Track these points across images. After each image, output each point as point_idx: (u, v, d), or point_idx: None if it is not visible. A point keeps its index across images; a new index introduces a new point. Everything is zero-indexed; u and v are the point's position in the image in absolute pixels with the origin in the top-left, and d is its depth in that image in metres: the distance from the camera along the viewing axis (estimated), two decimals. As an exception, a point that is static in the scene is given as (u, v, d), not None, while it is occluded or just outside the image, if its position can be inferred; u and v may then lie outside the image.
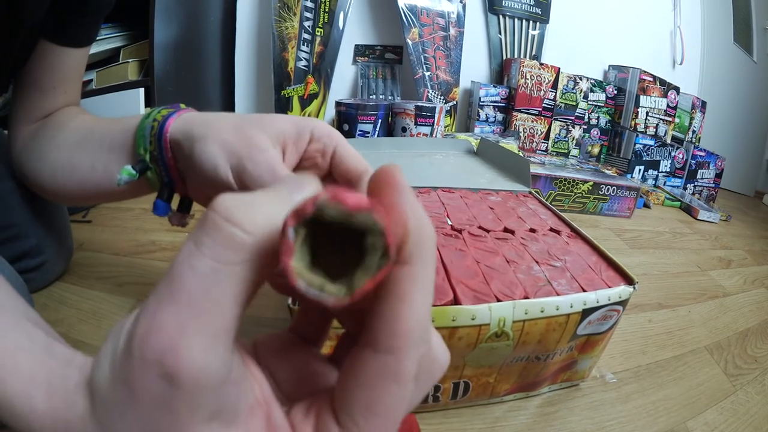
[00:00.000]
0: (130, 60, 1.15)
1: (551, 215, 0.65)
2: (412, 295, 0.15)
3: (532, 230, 0.58)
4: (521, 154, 1.13)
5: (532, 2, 1.75)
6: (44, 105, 0.54)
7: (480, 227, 0.57)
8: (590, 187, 1.22)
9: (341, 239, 0.14)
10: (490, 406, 0.51)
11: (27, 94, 0.54)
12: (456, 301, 0.41)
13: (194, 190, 0.43)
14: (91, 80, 1.15)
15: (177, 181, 0.42)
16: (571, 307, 0.44)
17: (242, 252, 0.14)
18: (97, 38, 1.08)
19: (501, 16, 1.73)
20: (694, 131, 1.91)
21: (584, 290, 0.45)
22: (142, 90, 1.15)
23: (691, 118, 1.88)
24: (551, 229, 0.59)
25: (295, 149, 0.36)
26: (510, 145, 1.40)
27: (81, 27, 0.53)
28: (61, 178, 0.49)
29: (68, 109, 0.56)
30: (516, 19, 1.75)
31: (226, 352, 0.15)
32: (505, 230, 0.58)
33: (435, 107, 1.36)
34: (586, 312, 0.45)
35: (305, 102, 1.54)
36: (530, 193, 0.75)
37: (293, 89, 1.53)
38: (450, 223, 0.58)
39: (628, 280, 0.49)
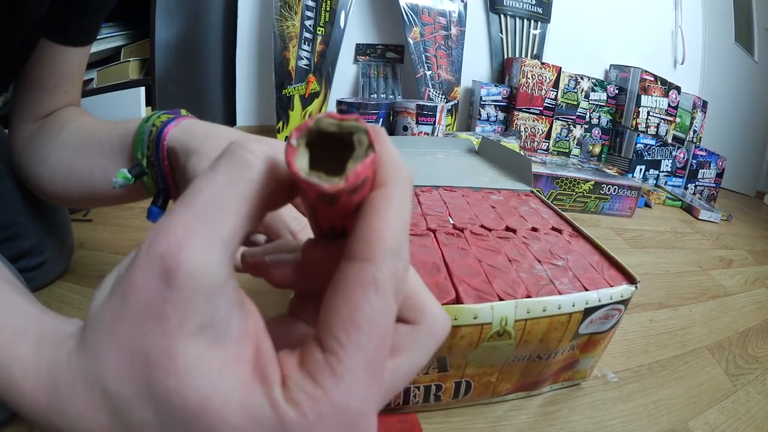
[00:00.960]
0: (131, 59, 1.14)
1: (553, 214, 0.65)
2: (386, 211, 0.16)
3: (534, 229, 0.58)
4: (523, 154, 1.13)
5: (534, 1, 1.75)
6: (45, 104, 0.54)
7: (482, 226, 0.57)
8: (591, 187, 1.22)
9: (333, 157, 0.16)
10: (492, 406, 0.50)
11: (28, 93, 0.54)
12: (458, 300, 0.41)
13: None
14: (92, 79, 1.15)
15: (173, 188, 0.43)
16: (573, 306, 0.43)
17: (251, 171, 0.17)
18: (98, 37, 1.07)
19: (502, 16, 1.73)
20: (695, 131, 1.91)
21: (586, 289, 0.45)
22: (143, 89, 1.15)
23: (692, 118, 1.88)
24: (553, 228, 0.59)
25: None
26: (511, 144, 1.40)
27: (82, 26, 0.53)
28: (60, 181, 0.49)
29: (69, 109, 0.56)
30: (517, 19, 1.75)
31: (224, 260, 0.16)
32: (507, 229, 0.57)
33: (436, 106, 1.36)
34: (588, 311, 0.45)
35: (306, 101, 1.54)
36: (532, 192, 0.75)
37: (294, 88, 1.53)
38: (452, 221, 0.57)
39: (630, 280, 0.49)
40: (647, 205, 1.45)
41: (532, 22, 1.77)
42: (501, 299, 0.42)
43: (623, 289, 0.47)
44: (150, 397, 0.16)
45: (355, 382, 0.16)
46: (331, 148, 0.16)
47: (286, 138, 0.16)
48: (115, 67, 1.15)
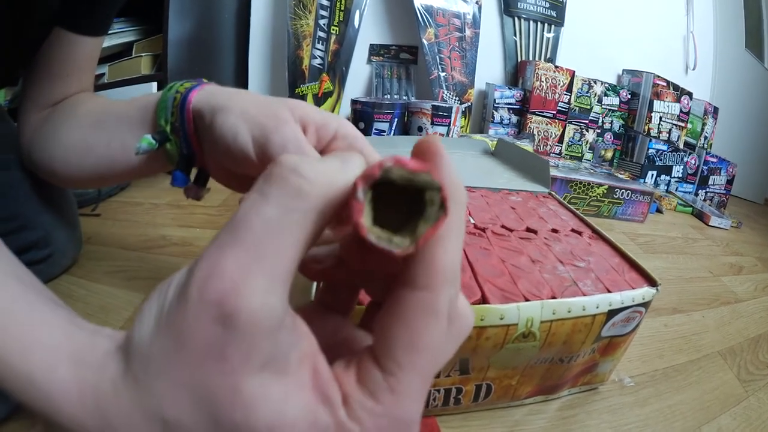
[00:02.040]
0: (143, 54, 1.14)
1: (572, 216, 0.65)
2: (449, 239, 0.17)
3: (554, 230, 0.58)
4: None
5: (548, 5, 1.74)
6: (57, 91, 0.54)
7: (503, 226, 0.57)
8: (605, 191, 1.22)
9: (392, 203, 0.16)
10: (510, 409, 0.50)
11: (39, 82, 0.54)
12: (484, 300, 0.41)
13: (212, 164, 0.43)
14: (103, 74, 1.15)
15: (198, 152, 0.42)
16: (597, 307, 0.44)
17: (307, 201, 0.16)
18: (110, 32, 1.06)
19: (516, 18, 1.73)
20: (705, 137, 1.90)
21: (609, 291, 0.46)
22: (155, 84, 1.14)
23: (704, 124, 1.88)
24: (573, 230, 0.59)
25: (316, 136, 0.36)
26: (525, 147, 1.39)
27: (96, 16, 0.53)
28: (74, 159, 0.49)
29: (81, 93, 0.56)
30: (531, 22, 1.75)
31: (284, 296, 0.16)
32: (528, 230, 0.58)
33: (451, 107, 1.36)
34: (611, 313, 0.45)
35: (319, 100, 1.54)
36: (550, 194, 0.75)
37: (308, 87, 1.53)
38: (473, 221, 0.58)
39: (651, 282, 0.49)
40: (659, 210, 1.45)
41: (546, 25, 1.76)
42: (527, 300, 0.42)
43: (644, 292, 0.47)
44: (217, 429, 0.16)
45: (411, 398, 0.17)
46: (392, 192, 0.16)
47: (352, 191, 0.16)
48: (127, 63, 1.15)
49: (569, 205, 0.69)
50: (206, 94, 0.41)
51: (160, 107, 0.42)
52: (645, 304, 0.47)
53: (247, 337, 0.15)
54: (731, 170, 1.77)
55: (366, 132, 1.37)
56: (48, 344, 0.18)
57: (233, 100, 0.38)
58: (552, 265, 0.49)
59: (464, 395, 0.46)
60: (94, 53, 0.56)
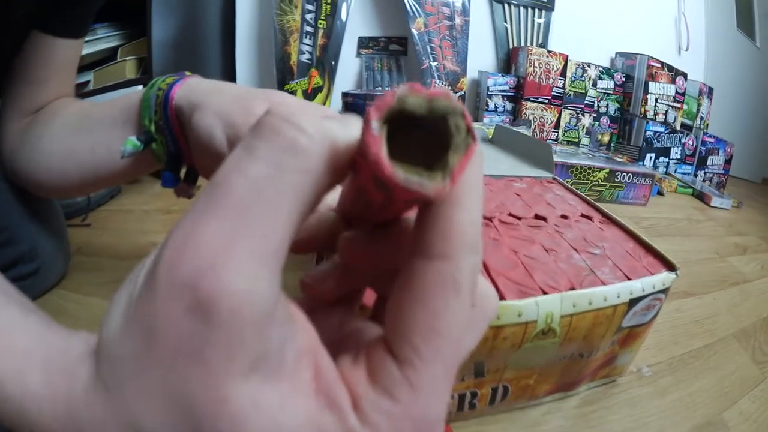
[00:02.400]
0: (127, 58, 1.12)
1: (579, 201, 0.62)
2: (468, 200, 0.14)
3: (564, 216, 0.55)
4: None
5: (537, -10, 1.72)
6: (37, 98, 0.52)
7: (510, 215, 0.54)
8: (606, 175, 1.20)
9: (404, 145, 0.13)
10: (528, 410, 0.48)
11: (18, 88, 0.51)
12: (499, 297, 0.38)
13: (198, 161, 0.41)
14: (89, 81, 1.12)
15: (185, 150, 0.41)
16: (618, 297, 0.41)
17: (305, 158, 0.12)
18: (94, 38, 1.08)
19: (506, 5, 1.71)
20: (702, 117, 1.88)
21: (629, 278, 0.43)
22: (141, 87, 1.12)
23: (699, 105, 1.86)
24: (583, 215, 0.56)
25: None
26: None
27: (74, 17, 0.51)
28: (58, 166, 0.47)
29: (62, 99, 0.53)
30: (521, 8, 1.72)
31: (275, 280, 0.12)
32: (537, 217, 0.54)
33: (445, 96, 1.32)
34: (633, 302, 0.42)
35: (309, 96, 1.51)
36: (554, 178, 0.72)
37: (297, 83, 1.50)
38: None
39: (669, 266, 0.46)
40: (660, 193, 1.43)
41: (536, 10, 1.74)
42: (545, 293, 0.38)
43: (664, 277, 0.44)
44: None
45: (434, 392, 0.14)
46: (409, 126, 0.13)
47: (364, 119, 0.12)
48: (112, 67, 1.12)
49: (576, 190, 0.66)
50: (187, 90, 0.39)
51: (144, 106, 0.41)
52: (665, 291, 0.45)
53: (229, 331, 0.12)
54: (729, 150, 1.77)
55: (359, 126, 1.33)
56: (18, 349, 0.16)
57: (211, 96, 0.37)
58: (567, 254, 0.46)
59: (479, 399, 0.43)
60: (74, 56, 0.54)
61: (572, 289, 0.40)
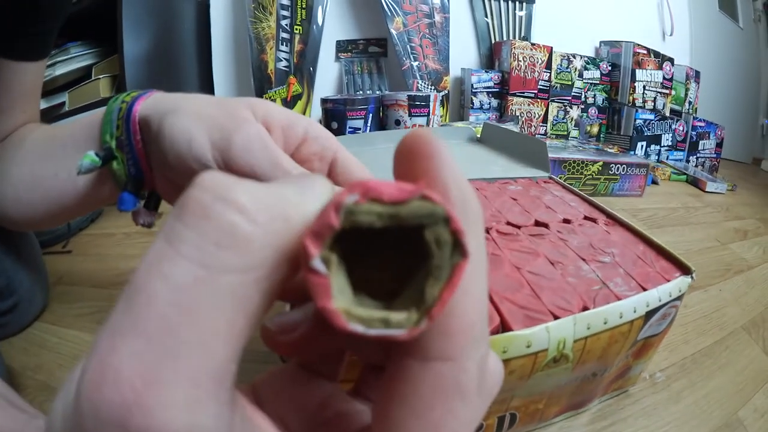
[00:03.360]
0: (101, 76, 1.09)
1: (580, 201, 0.58)
2: (469, 282, 0.11)
3: (567, 221, 0.51)
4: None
5: (516, -18, 1.69)
6: (1, 127, 0.49)
7: (509, 223, 0.49)
8: (600, 168, 1.17)
9: (378, 249, 0.10)
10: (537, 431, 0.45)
11: None
12: (504, 327, 0.33)
13: (163, 183, 0.37)
14: (64, 103, 1.10)
15: (146, 170, 0.37)
16: (635, 311, 0.37)
17: (246, 252, 0.09)
18: (67, 57, 1.06)
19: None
20: (690, 102, 1.87)
21: (643, 288, 0.39)
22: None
23: (687, 89, 1.84)
24: (586, 218, 0.52)
25: (283, 138, 0.32)
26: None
27: (35, 38, 0.48)
28: (25, 196, 0.43)
29: (28, 125, 0.50)
30: (502, 1, 1.69)
31: (221, 407, 0.10)
32: (537, 224, 0.50)
33: (429, 95, 1.29)
34: (649, 314, 0.38)
35: (289, 104, 1.48)
36: (551, 178, 0.68)
37: (275, 92, 1.47)
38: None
39: (684, 269, 0.43)
40: (654, 182, 1.41)
41: (517, 3, 1.71)
42: (555, 316, 0.34)
43: (680, 282, 0.41)
44: None
45: None
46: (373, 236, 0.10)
47: (305, 252, 0.09)
48: (87, 87, 1.09)
49: (574, 188, 0.62)
50: (153, 101, 0.35)
51: (105, 120, 0.37)
52: (681, 297, 0.41)
53: None
54: (719, 133, 1.76)
55: (339, 132, 1.29)
56: None
57: (186, 101, 0.33)
58: (575, 265, 0.41)
59: (485, 430, 0.39)
60: (37, 79, 0.51)
61: (585, 308, 0.35)
